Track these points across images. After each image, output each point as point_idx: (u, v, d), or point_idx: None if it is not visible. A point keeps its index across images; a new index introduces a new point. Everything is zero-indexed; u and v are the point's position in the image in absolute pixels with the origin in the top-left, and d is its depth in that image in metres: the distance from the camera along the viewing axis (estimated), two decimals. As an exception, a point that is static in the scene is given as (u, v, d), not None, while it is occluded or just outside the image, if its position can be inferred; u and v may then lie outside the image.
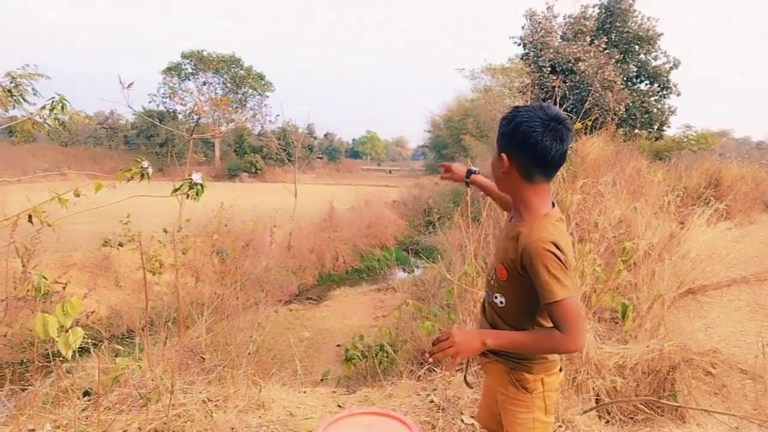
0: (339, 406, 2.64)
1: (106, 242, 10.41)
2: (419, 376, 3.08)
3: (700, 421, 3.08)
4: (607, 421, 2.92)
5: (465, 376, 1.82)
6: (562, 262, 1.51)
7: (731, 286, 5.02)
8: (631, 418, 3.16)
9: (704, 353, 4.62)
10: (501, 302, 1.67)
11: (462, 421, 2.33)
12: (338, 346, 8.49)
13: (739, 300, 6.86)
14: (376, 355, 5.11)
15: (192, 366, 3.92)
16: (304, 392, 2.99)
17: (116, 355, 3.14)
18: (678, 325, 4.94)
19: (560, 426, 2.52)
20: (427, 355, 1.61)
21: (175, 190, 2.58)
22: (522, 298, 1.62)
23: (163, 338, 4.61)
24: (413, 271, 12.43)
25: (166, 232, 10.35)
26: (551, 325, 1.54)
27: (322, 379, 5.87)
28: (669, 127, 19.63)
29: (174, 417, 2.19)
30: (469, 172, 2.16)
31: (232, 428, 2.19)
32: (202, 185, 2.58)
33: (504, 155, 1.59)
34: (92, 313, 8.71)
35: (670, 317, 4.81)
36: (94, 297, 9.51)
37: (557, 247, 1.51)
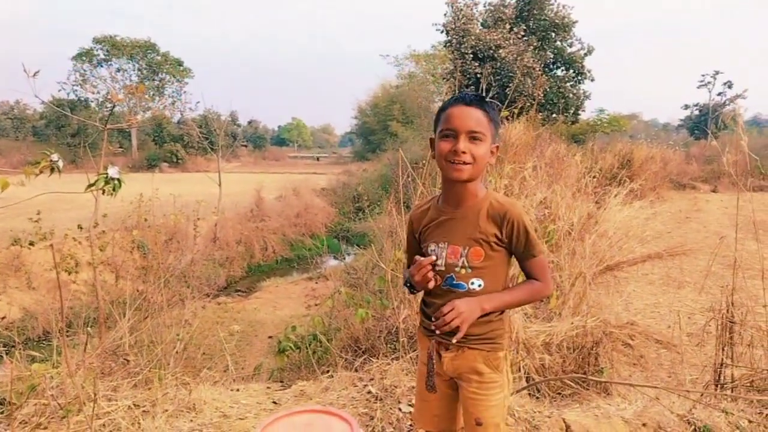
0: (274, 402, 2.57)
1: (15, 241, 9.71)
2: (356, 367, 3.06)
3: (623, 392, 3.26)
4: (537, 398, 3.03)
5: (428, 383, 1.75)
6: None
7: (646, 262, 5.33)
8: (559, 394, 3.29)
9: (623, 326, 4.89)
10: (479, 285, 1.69)
11: (400, 410, 2.34)
12: (270, 337, 8.37)
13: (653, 274, 7.32)
14: (310, 344, 5.06)
15: (115, 369, 3.72)
16: (237, 390, 2.90)
17: (32, 361, 2.93)
18: (598, 301, 5.18)
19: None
20: (432, 328, 1.66)
21: (90, 185, 2.42)
22: (500, 271, 1.72)
23: (82, 341, 4.36)
24: (344, 258, 12.41)
25: (81, 228, 9.79)
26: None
27: (254, 374, 5.75)
28: (584, 111, 20.58)
29: (98, 427, 2.06)
30: None
31: (162, 434, 2.09)
32: (119, 180, 2.43)
33: (497, 146, 1.72)
34: (3, 318, 8.12)
35: (590, 294, 5.04)
36: (5, 299, 8.87)
37: None
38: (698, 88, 44.34)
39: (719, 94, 42.99)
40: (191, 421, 2.24)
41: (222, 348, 5.63)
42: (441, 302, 1.68)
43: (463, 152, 1.60)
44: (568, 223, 5.56)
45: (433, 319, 1.66)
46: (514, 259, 1.76)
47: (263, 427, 1.56)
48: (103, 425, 2.11)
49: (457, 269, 1.70)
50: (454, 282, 1.70)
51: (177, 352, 4.20)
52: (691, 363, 4.43)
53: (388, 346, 4.23)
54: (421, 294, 1.82)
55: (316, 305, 9.65)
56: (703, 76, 43.31)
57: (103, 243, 9.69)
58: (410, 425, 2.29)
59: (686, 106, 46.83)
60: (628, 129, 27.83)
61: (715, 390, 2.90)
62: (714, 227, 11.50)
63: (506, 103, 7.47)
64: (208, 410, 2.35)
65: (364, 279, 7.51)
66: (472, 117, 1.61)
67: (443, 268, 1.71)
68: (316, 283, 11.60)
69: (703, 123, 42.46)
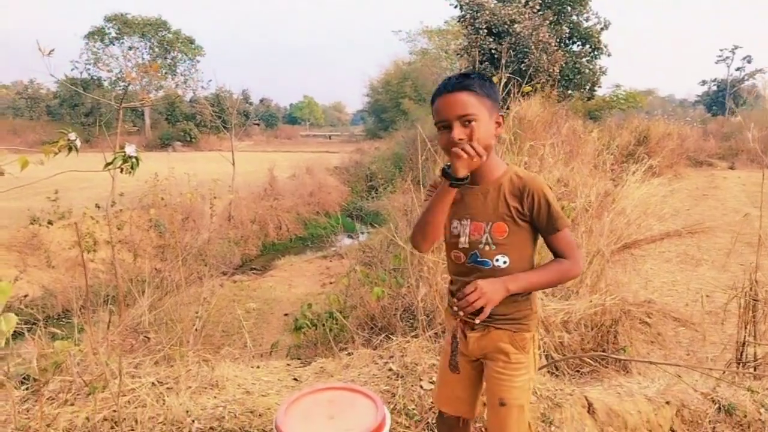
0: (295, 379, 2.60)
1: (34, 220, 9.82)
2: (375, 345, 3.07)
3: (642, 370, 3.25)
4: (557, 376, 3.02)
5: (452, 362, 1.71)
6: None
7: (664, 240, 5.28)
8: (578, 371, 3.28)
9: (640, 304, 4.86)
10: (504, 262, 1.67)
11: (421, 387, 2.34)
12: (286, 315, 8.43)
13: (669, 252, 7.26)
14: (326, 322, 5.10)
15: (136, 347, 3.77)
16: (258, 367, 2.92)
17: (53, 338, 2.97)
18: (615, 279, 5.16)
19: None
20: (455, 309, 1.62)
21: (108, 164, 2.42)
22: (525, 247, 1.69)
23: (102, 318, 4.43)
24: (359, 237, 12.42)
25: (99, 207, 9.88)
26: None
27: (271, 350, 5.81)
28: (600, 87, 20.22)
29: (124, 404, 2.09)
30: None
31: (187, 411, 2.10)
32: (137, 158, 2.43)
33: (502, 116, 1.67)
34: (25, 296, 8.25)
35: (608, 272, 5.01)
36: (25, 278, 9.01)
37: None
38: (716, 63, 43.58)
39: (738, 69, 42.15)
40: (215, 397, 2.26)
41: (239, 325, 5.69)
42: (467, 280, 1.66)
43: (460, 139, 1.57)
44: (585, 201, 5.51)
45: (456, 299, 1.63)
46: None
47: (288, 404, 1.57)
48: (128, 402, 2.14)
49: (481, 246, 1.68)
50: (479, 259, 1.68)
51: (196, 330, 4.25)
52: (710, 341, 4.41)
53: (405, 323, 4.25)
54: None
55: (331, 283, 9.70)
56: (721, 50, 42.50)
57: (121, 222, 9.77)
58: (432, 402, 2.29)
59: (703, 82, 46.08)
60: (645, 105, 27.34)
61: (737, 368, 2.87)
62: (732, 204, 11.35)
63: (525, 80, 7.36)
64: (231, 387, 2.37)
65: (380, 257, 7.52)
66: (458, 102, 1.58)
67: (467, 246, 1.70)
68: (331, 261, 11.66)
69: (721, 99, 41.72)
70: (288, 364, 2.91)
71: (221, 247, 11.73)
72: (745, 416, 2.35)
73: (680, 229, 5.26)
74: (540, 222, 1.64)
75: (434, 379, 2.41)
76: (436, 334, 2.97)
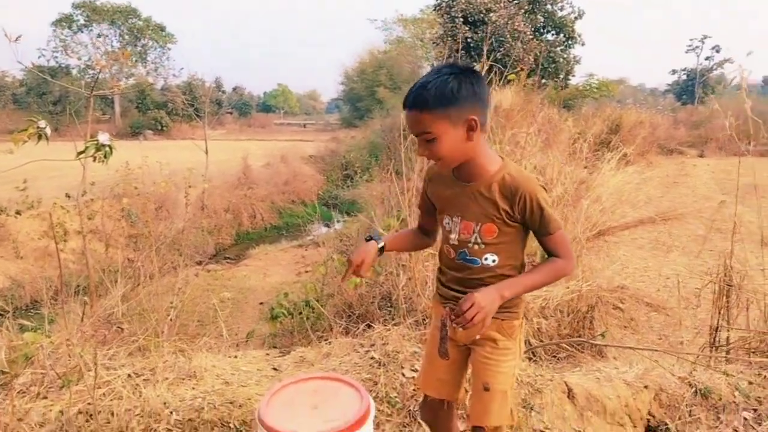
0: (275, 369, 2.56)
1: (1, 210, 9.56)
2: (356, 333, 3.05)
3: (617, 354, 3.30)
4: (535, 362, 3.05)
5: (441, 349, 1.68)
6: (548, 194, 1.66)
7: (638, 227, 5.37)
8: (555, 357, 3.32)
9: (614, 290, 4.95)
10: (493, 261, 1.65)
11: (403, 375, 2.33)
12: (261, 304, 8.37)
13: (642, 238, 7.38)
14: (302, 310, 5.06)
15: (110, 338, 3.69)
16: (235, 357, 2.88)
17: (21, 329, 2.88)
18: (590, 266, 5.23)
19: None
20: (454, 326, 1.56)
21: (80, 152, 2.34)
22: (515, 246, 1.67)
23: (73, 308, 4.32)
24: (334, 225, 12.38)
25: (69, 197, 9.65)
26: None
27: (247, 339, 5.75)
28: (574, 76, 20.43)
29: (99, 396, 2.04)
30: (381, 248, 1.85)
31: (165, 403, 2.06)
32: (110, 146, 2.35)
33: (473, 119, 1.53)
34: (-8, 287, 8.03)
35: (583, 258, 5.08)
36: (-8, 269, 8.78)
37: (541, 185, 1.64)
38: (686, 52, 44.31)
39: (707, 58, 42.95)
40: (193, 389, 2.22)
41: (215, 315, 5.61)
42: (456, 275, 1.70)
43: (427, 152, 1.56)
44: (561, 189, 5.57)
45: (453, 315, 1.56)
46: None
47: (270, 395, 1.54)
48: (104, 394, 2.08)
49: (470, 245, 1.67)
50: (468, 257, 1.68)
51: (171, 320, 4.18)
52: (683, 325, 4.50)
53: (384, 311, 4.24)
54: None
55: (306, 272, 9.65)
56: (691, 40, 43.23)
57: (92, 212, 9.56)
58: (414, 390, 2.29)
59: (674, 71, 46.83)
60: (617, 94, 27.70)
61: (711, 352, 2.94)
62: (702, 191, 11.60)
63: (505, 69, 7.36)
64: (209, 378, 2.33)
65: (357, 246, 7.48)
66: (414, 121, 1.54)
67: (457, 243, 1.69)
68: (306, 250, 11.60)
69: (691, 88, 42.51)
70: (267, 354, 2.87)
71: (194, 236, 11.57)
72: (720, 399, 2.41)
73: (654, 216, 5.35)
74: (532, 225, 1.62)
75: (416, 366, 2.41)
76: (416, 321, 2.96)
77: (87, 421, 2.00)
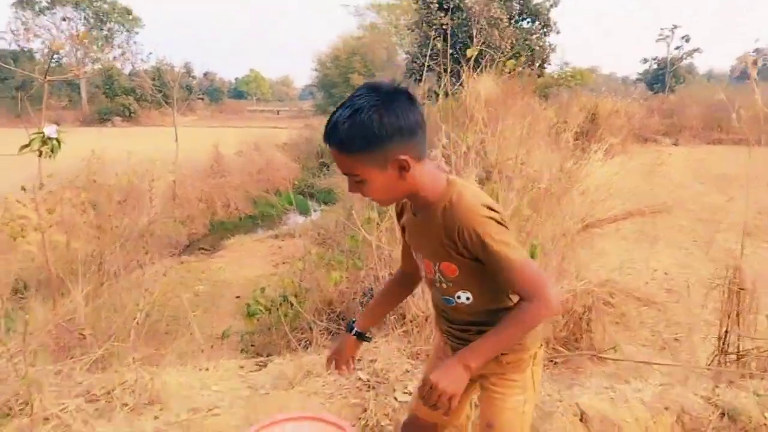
0: (250, 387, 2.31)
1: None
2: (333, 332, 2.80)
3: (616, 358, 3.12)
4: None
5: None
6: (502, 223, 1.31)
7: (627, 219, 5.23)
8: (551, 361, 3.14)
9: (602, 284, 4.79)
10: (468, 298, 1.43)
11: (395, 398, 2.09)
12: (237, 297, 8.10)
13: (625, 229, 7.29)
14: (280, 306, 4.81)
15: (70, 345, 3.38)
16: (207, 369, 2.61)
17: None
18: (578, 261, 5.08)
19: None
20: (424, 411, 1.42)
21: (24, 146, 2.04)
22: (486, 279, 1.38)
23: (32, 307, 4.03)
24: (311, 215, 12.11)
25: (25, 190, 9.17)
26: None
27: (223, 337, 5.49)
28: (549, 64, 20.37)
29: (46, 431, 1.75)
30: (359, 334, 1.68)
31: (122, 437, 1.80)
32: (57, 140, 2.06)
33: (402, 160, 1.28)
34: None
35: (571, 253, 4.92)
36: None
37: (490, 208, 1.31)
38: (657, 41, 44.74)
39: (677, 48, 43.44)
40: (155, 418, 1.94)
41: (186, 312, 5.31)
42: (442, 310, 1.54)
43: (359, 192, 1.34)
44: (546, 181, 5.39)
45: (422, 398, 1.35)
46: None
47: (248, 437, 1.30)
48: (51, 430, 1.79)
49: (437, 284, 1.46)
50: (443, 296, 1.48)
51: (138, 323, 3.88)
52: (673, 321, 4.39)
53: (365, 308, 4.01)
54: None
55: (284, 263, 9.37)
56: (662, 29, 43.64)
57: (52, 206, 9.11)
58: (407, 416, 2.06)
59: (645, 60, 47.26)
60: (590, 83, 27.82)
61: (720, 359, 2.76)
62: (679, 180, 11.64)
63: (478, 56, 7.16)
64: (175, 402, 2.05)
65: (335, 238, 7.24)
66: (338, 161, 1.31)
67: (427, 282, 1.51)
68: (283, 240, 11.31)
69: (661, 76, 42.96)
70: (241, 366, 2.61)
71: (166, 226, 11.17)
72: (750, 421, 2.19)
73: (644, 208, 5.21)
74: (483, 261, 1.33)
75: (410, 388, 2.16)
76: (406, 332, 2.71)
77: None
